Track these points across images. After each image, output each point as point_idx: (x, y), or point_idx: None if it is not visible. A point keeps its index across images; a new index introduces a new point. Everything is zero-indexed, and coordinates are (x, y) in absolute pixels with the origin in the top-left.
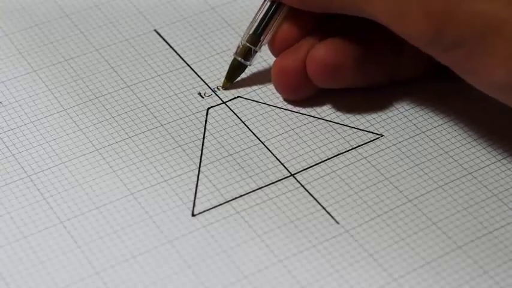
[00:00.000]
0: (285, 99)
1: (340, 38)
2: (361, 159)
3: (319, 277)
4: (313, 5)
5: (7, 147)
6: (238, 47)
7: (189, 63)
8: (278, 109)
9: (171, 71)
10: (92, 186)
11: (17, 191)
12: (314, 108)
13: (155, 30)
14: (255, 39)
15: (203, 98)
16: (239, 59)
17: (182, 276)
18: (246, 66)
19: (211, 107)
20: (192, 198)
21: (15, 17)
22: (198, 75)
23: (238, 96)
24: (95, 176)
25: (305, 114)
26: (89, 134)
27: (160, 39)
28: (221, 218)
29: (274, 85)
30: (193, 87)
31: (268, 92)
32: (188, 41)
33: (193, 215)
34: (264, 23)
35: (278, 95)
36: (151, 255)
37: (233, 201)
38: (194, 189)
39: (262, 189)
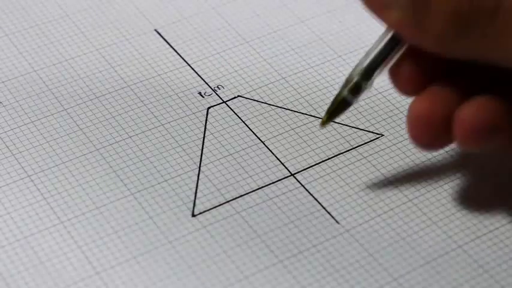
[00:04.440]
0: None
1: (491, 96)
2: (361, 159)
3: (319, 277)
4: (459, 52)
5: (7, 147)
6: (347, 81)
7: (189, 63)
8: (278, 109)
9: (171, 71)
10: (92, 186)
11: (17, 191)
12: (314, 108)
13: (155, 30)
14: (367, 74)
15: (203, 97)
16: (345, 93)
17: (182, 276)
18: (351, 104)
19: (212, 106)
20: (192, 198)
21: (15, 17)
22: (198, 75)
23: (238, 96)
24: (95, 176)
25: (305, 114)
26: (89, 134)
27: (161, 39)
28: (221, 218)
29: (409, 135)
30: (194, 87)
31: (268, 92)
32: (188, 40)
33: (193, 215)
34: (379, 58)
35: (278, 94)
36: (151, 256)
37: (233, 201)
38: (194, 189)
39: (262, 189)
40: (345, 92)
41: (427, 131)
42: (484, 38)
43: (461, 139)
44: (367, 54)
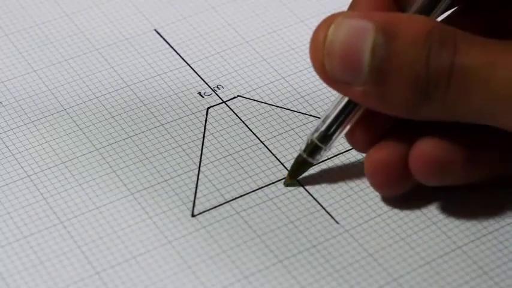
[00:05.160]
0: (381, 194)
1: (446, 134)
2: (361, 159)
3: (319, 277)
4: (422, 115)
5: (7, 147)
6: (307, 142)
7: (189, 63)
8: (278, 109)
9: (171, 71)
10: (92, 186)
11: (17, 191)
12: (314, 108)
13: (155, 30)
14: (326, 137)
15: (203, 97)
16: (305, 156)
17: (182, 276)
18: (311, 164)
19: (211, 106)
20: (192, 198)
21: (15, 17)
22: (198, 75)
23: (238, 96)
24: (95, 176)
25: (305, 114)
26: (89, 134)
27: (160, 38)
28: (221, 218)
29: (369, 182)
30: (193, 87)
31: (268, 92)
32: (188, 40)
33: (193, 215)
34: (338, 121)
35: (278, 94)
36: (151, 256)
37: (233, 201)
38: (194, 189)
39: (262, 189)
40: (304, 156)
41: (385, 176)
42: (444, 101)
43: (419, 173)
44: (325, 118)
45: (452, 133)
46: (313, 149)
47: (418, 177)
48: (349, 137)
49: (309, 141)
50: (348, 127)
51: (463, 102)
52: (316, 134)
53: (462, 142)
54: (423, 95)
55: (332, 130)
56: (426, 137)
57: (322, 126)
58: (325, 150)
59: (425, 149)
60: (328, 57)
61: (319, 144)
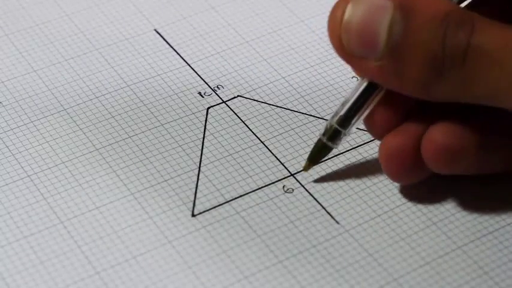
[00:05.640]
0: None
1: (459, 121)
2: (361, 159)
3: (319, 277)
4: (438, 95)
5: (7, 147)
6: (326, 127)
7: (189, 63)
8: (278, 109)
9: (171, 71)
10: (92, 186)
11: (17, 191)
12: (314, 108)
13: (155, 30)
14: (345, 121)
15: (203, 97)
16: (325, 140)
17: (182, 276)
18: (331, 149)
19: (211, 106)
20: (192, 198)
21: (15, 17)
22: (198, 75)
23: (238, 96)
24: (95, 176)
25: (305, 114)
26: (89, 134)
27: (160, 38)
28: (221, 218)
29: (383, 169)
30: (193, 87)
31: (268, 91)
32: (188, 40)
33: (193, 215)
34: (356, 106)
35: (278, 94)
36: (151, 256)
37: (233, 201)
38: (194, 189)
39: (262, 189)
40: (324, 140)
41: (400, 163)
42: (458, 80)
43: (430, 162)
44: (345, 102)
45: (468, 120)
46: (333, 133)
47: (429, 166)
48: (367, 122)
49: (328, 126)
50: (367, 112)
51: (477, 82)
52: (335, 118)
53: (476, 129)
54: (438, 73)
55: (351, 114)
56: (438, 124)
57: (341, 111)
58: (345, 134)
59: (436, 136)
60: (345, 33)
61: (339, 128)
